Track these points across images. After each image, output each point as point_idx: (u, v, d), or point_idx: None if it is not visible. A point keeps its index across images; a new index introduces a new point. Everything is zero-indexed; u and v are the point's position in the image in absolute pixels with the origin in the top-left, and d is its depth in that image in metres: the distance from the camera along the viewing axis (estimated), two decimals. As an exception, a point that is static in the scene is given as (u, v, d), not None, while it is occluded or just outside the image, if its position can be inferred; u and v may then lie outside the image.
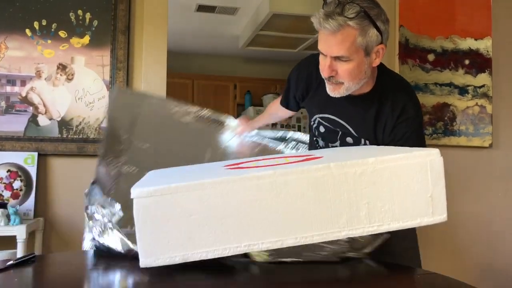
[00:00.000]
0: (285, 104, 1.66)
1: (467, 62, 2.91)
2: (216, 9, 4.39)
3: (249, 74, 6.04)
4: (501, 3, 3.01)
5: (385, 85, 1.38)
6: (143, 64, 2.54)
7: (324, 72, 1.28)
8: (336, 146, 1.48)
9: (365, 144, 1.41)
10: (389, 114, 1.35)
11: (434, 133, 2.84)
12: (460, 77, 2.90)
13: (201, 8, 4.37)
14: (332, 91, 1.32)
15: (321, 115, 1.48)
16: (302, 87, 1.51)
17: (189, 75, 5.74)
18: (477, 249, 2.90)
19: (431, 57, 2.86)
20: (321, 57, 1.30)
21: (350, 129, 1.42)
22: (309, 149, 1.70)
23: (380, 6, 1.25)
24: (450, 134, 2.87)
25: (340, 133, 1.46)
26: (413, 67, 2.82)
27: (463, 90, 2.90)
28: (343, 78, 1.27)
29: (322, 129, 1.51)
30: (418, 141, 1.35)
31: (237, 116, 5.98)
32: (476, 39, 2.94)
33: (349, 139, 1.44)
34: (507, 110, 3.01)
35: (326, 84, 1.33)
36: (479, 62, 2.93)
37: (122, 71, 2.49)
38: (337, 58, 1.24)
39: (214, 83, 5.78)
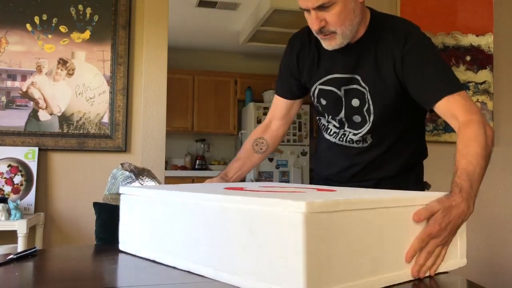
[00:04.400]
0: (285, 92, 1.48)
1: (468, 58, 2.91)
2: (216, 5, 4.38)
3: (250, 70, 6.03)
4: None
5: (380, 21, 1.30)
6: (143, 59, 2.54)
7: (314, 26, 1.22)
8: (341, 119, 1.36)
9: (368, 102, 1.29)
10: (393, 44, 1.24)
11: (435, 129, 2.84)
12: (461, 74, 2.89)
13: (202, 4, 4.35)
14: (329, 44, 1.25)
15: (321, 81, 1.36)
16: (298, 62, 1.41)
17: (189, 71, 5.73)
18: (478, 245, 2.90)
19: (432, 53, 2.85)
20: (306, 16, 1.25)
21: (358, 77, 1.29)
22: (318, 143, 1.54)
23: None
24: (451, 130, 2.87)
25: (344, 100, 1.33)
26: (414, 63, 2.81)
27: (464, 87, 2.89)
28: (334, 26, 1.21)
29: (323, 102, 1.38)
30: (440, 67, 1.23)
31: (238, 113, 5.99)
32: (477, 36, 2.93)
33: (355, 102, 1.31)
34: (508, 107, 3.01)
35: (322, 41, 1.26)
36: (480, 59, 2.93)
37: (122, 66, 2.49)
38: (320, 7, 1.18)
39: (214, 79, 5.78)
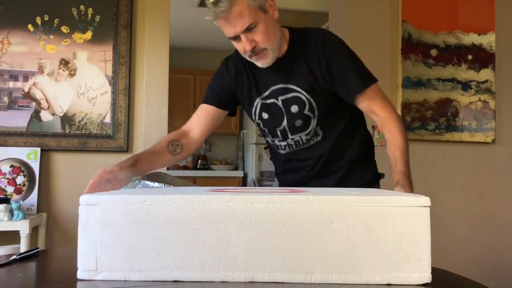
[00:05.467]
0: (220, 103, 1.53)
1: (470, 57, 2.90)
2: (218, 4, 4.38)
3: (251, 70, 6.04)
4: (504, -2, 2.99)
5: (299, 34, 1.46)
6: (145, 59, 2.54)
7: (246, 47, 1.34)
8: (284, 128, 1.47)
9: (309, 103, 1.42)
10: (316, 50, 1.40)
11: (437, 129, 2.84)
12: (463, 73, 2.89)
13: (204, 3, 4.35)
14: (264, 62, 1.38)
15: (263, 95, 1.47)
16: (236, 84, 1.52)
17: (191, 70, 5.74)
18: (479, 244, 2.90)
19: (434, 52, 2.85)
20: (234, 44, 1.39)
21: (293, 86, 1.42)
22: (272, 157, 1.65)
23: None
24: (453, 129, 2.86)
25: (284, 109, 1.45)
26: (415, 62, 2.81)
27: (466, 86, 2.89)
28: (263, 43, 1.34)
29: (265, 116, 1.49)
30: (353, 66, 1.41)
31: (239, 112, 5.98)
32: (479, 34, 2.92)
33: (294, 108, 1.44)
34: (510, 106, 3.00)
35: (256, 62, 1.39)
36: (482, 58, 2.92)
37: (124, 67, 2.49)
38: (247, 30, 1.31)
39: (216, 78, 5.78)
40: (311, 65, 1.41)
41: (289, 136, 1.48)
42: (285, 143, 1.50)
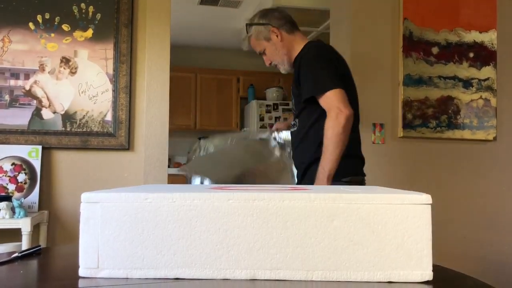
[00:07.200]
0: None
1: (471, 55, 2.90)
2: (219, 2, 4.38)
3: (253, 68, 6.03)
4: (506, -4, 2.98)
5: (305, 46, 1.83)
6: (146, 57, 2.54)
7: (266, 63, 1.95)
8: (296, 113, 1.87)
9: (292, 99, 1.91)
10: (298, 62, 1.78)
11: (438, 126, 2.83)
12: (465, 70, 2.89)
13: (204, 1, 4.36)
14: (280, 70, 1.94)
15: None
16: None
17: (192, 68, 5.74)
18: (481, 242, 2.90)
19: (435, 50, 2.84)
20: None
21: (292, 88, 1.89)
22: None
23: (260, 12, 1.95)
24: (454, 127, 2.86)
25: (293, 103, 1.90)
26: (417, 60, 2.81)
27: (467, 83, 2.89)
28: (273, 61, 1.92)
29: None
30: (309, 80, 1.71)
31: (240, 110, 5.98)
32: (480, 32, 2.92)
33: (292, 98, 1.91)
34: (511, 103, 3.00)
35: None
36: (483, 55, 2.92)
37: (125, 65, 2.49)
38: (262, 54, 1.93)
39: (217, 76, 5.78)
40: (295, 74, 1.79)
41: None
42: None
